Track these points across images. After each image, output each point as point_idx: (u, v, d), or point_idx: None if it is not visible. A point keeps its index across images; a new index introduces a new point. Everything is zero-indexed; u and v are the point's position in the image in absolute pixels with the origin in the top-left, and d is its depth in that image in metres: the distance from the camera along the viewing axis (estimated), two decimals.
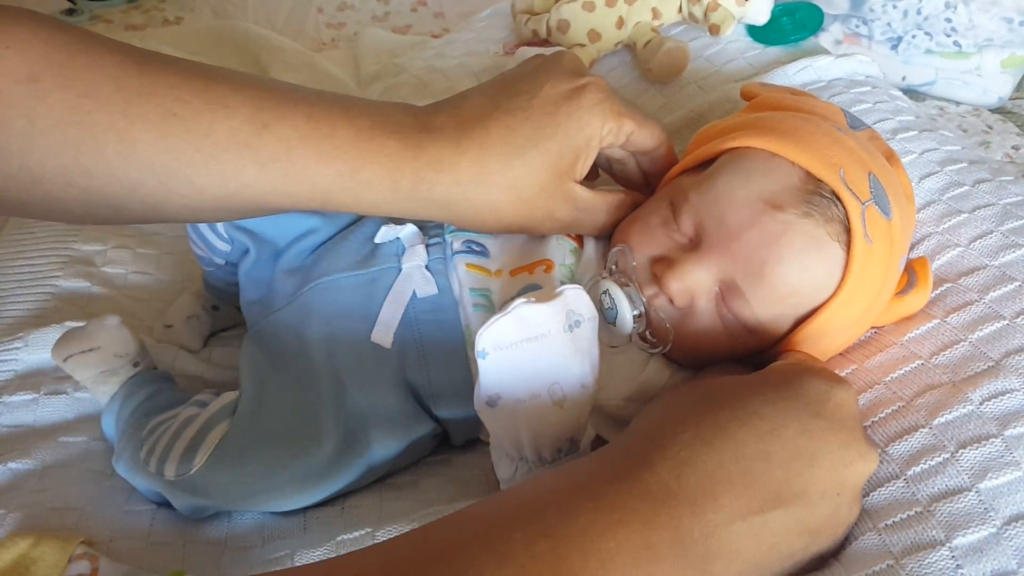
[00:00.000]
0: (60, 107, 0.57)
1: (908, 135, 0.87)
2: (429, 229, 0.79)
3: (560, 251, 0.74)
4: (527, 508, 0.50)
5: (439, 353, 0.74)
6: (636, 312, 0.67)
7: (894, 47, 1.41)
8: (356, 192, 0.65)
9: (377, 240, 0.77)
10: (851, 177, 0.65)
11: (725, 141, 0.70)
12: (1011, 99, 1.41)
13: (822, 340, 0.68)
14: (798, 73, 0.96)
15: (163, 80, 0.60)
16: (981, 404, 0.62)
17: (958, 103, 1.42)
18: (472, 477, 0.77)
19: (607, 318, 0.68)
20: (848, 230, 0.65)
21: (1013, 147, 1.27)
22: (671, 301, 0.67)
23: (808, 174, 0.65)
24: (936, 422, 0.62)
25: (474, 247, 0.76)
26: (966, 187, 0.81)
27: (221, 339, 0.97)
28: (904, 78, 1.44)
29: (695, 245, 0.67)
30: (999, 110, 1.41)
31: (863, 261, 0.65)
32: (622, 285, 0.68)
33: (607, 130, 0.69)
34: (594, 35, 1.04)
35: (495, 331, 0.60)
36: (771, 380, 0.58)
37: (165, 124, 0.59)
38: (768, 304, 0.66)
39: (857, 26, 1.43)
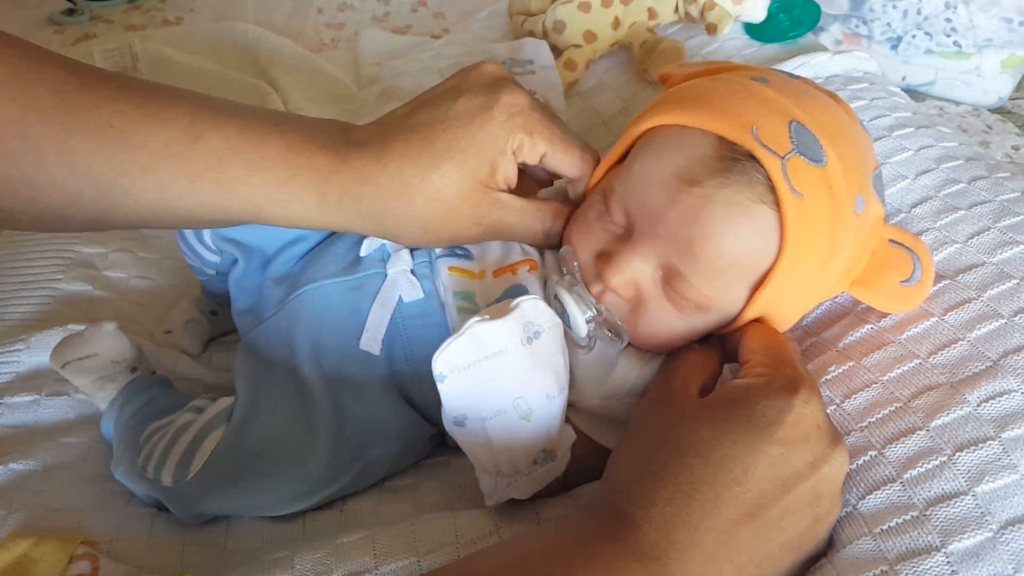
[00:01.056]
0: (3, 119, 0.58)
1: (905, 132, 0.86)
2: None
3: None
4: (525, 568, 0.52)
5: (427, 357, 0.72)
6: (588, 314, 0.66)
7: (894, 47, 1.42)
8: (285, 204, 0.66)
9: (363, 253, 0.76)
10: (766, 132, 0.62)
11: (638, 124, 0.69)
12: (1011, 99, 1.41)
13: (782, 304, 0.67)
14: (795, 71, 0.95)
15: (104, 94, 0.62)
16: (979, 406, 0.62)
17: (958, 103, 1.42)
18: (470, 482, 0.76)
19: (564, 323, 0.67)
20: (773, 189, 0.61)
21: (1013, 147, 1.27)
22: (617, 295, 0.67)
23: (720, 139, 0.63)
24: (934, 424, 0.62)
25: (457, 250, 0.75)
26: (963, 184, 0.81)
27: (221, 344, 0.97)
28: (904, 78, 1.44)
29: (628, 234, 0.67)
30: (999, 110, 1.40)
31: (798, 217, 0.61)
32: (571, 287, 0.67)
33: (516, 143, 0.68)
34: (590, 36, 1.04)
35: (450, 353, 0.59)
36: (730, 413, 0.58)
37: (103, 136, 0.61)
38: (711, 280, 0.64)
39: (857, 26, 1.43)
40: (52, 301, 0.93)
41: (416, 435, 0.77)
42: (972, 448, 0.60)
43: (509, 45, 1.04)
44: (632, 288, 0.66)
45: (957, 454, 0.60)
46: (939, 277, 0.73)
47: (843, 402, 0.68)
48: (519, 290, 0.72)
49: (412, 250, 0.76)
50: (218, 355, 0.95)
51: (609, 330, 0.67)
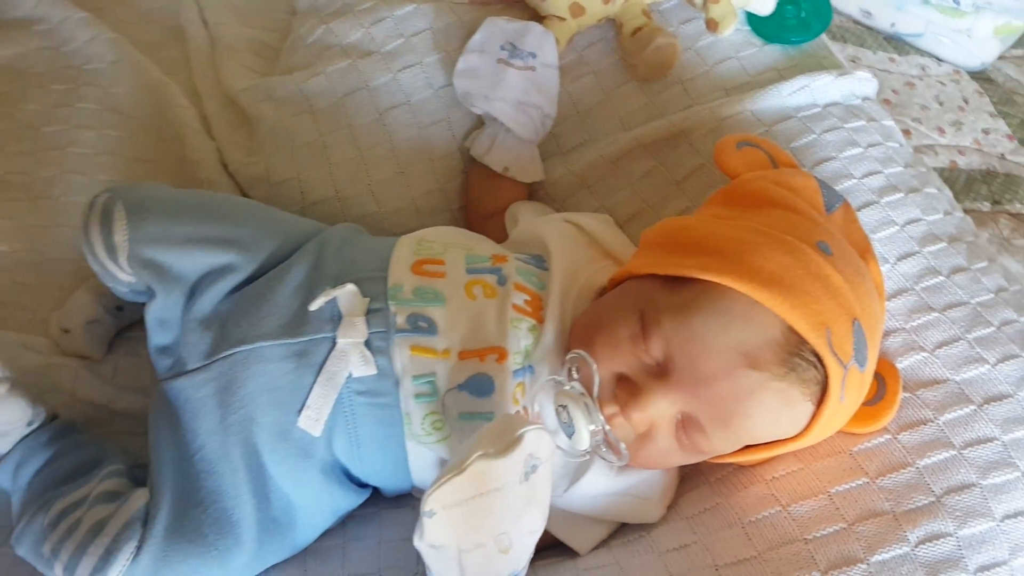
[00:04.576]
0: None
1: (894, 198, 0.84)
2: (370, 290, 0.72)
3: (515, 335, 0.71)
4: None
5: (374, 438, 0.71)
6: (594, 428, 0.65)
7: None
8: None
9: (312, 308, 0.70)
10: (837, 337, 0.64)
11: (704, 266, 0.66)
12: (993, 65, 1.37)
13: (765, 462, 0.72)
14: (794, 94, 0.89)
15: None
16: (916, 547, 0.66)
17: (940, 61, 1.37)
18: (400, 538, 0.77)
19: (563, 431, 0.67)
20: (825, 389, 0.65)
21: (983, 130, 1.25)
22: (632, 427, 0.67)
23: (791, 328, 0.63)
24: (874, 559, 0.65)
25: (420, 323, 0.71)
26: (941, 277, 0.80)
27: (127, 342, 0.89)
28: (893, 24, 1.37)
29: (663, 373, 0.66)
30: (979, 75, 1.36)
31: (831, 415, 0.66)
32: (580, 398, 0.65)
33: None
34: (577, 8, 0.94)
35: (447, 492, 0.57)
36: None
37: None
38: (727, 441, 0.68)
39: None
40: None
41: (350, 507, 0.76)
42: None
43: (513, 25, 0.93)
44: (648, 425, 0.67)
45: None
46: (903, 388, 0.74)
47: (789, 505, 0.70)
48: (483, 381, 0.70)
49: (368, 315, 0.71)
50: (125, 361, 0.87)
51: (608, 448, 0.67)
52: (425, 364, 0.70)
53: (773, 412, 0.65)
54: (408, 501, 0.80)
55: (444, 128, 0.96)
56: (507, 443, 0.58)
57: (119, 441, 0.82)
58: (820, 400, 0.66)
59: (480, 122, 0.95)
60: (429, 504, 0.57)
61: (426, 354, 0.70)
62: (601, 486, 0.73)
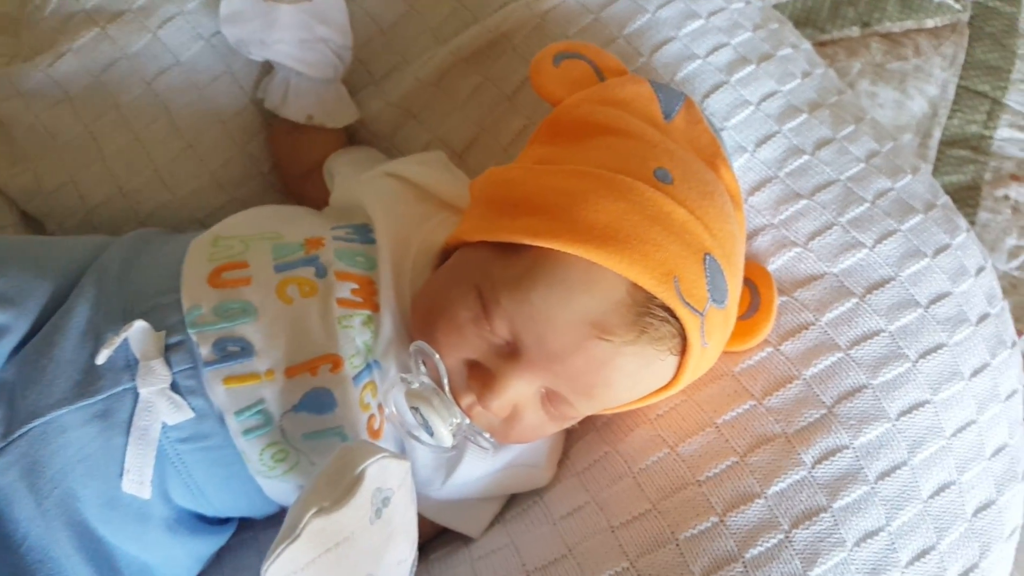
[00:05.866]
0: None
1: (745, 73, 0.75)
2: (164, 319, 0.62)
3: (347, 336, 0.63)
4: None
5: (214, 481, 0.63)
6: (454, 422, 0.60)
7: None
8: None
9: (99, 361, 0.59)
10: (686, 283, 0.57)
11: (533, 230, 0.58)
12: None
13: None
14: None
15: None
16: (813, 467, 0.62)
17: None
18: None
19: (424, 429, 0.60)
20: (685, 341, 0.60)
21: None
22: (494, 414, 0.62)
23: (636, 286, 0.57)
24: (771, 491, 0.62)
25: (230, 347, 0.61)
26: (806, 156, 0.73)
27: None
28: None
29: (513, 353, 0.60)
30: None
31: (697, 362, 0.62)
32: (432, 395, 0.59)
33: None
34: None
35: (285, 562, 0.50)
36: None
37: None
38: (596, 408, 0.65)
39: None
40: None
41: (217, 546, 0.69)
42: (807, 523, 0.60)
43: None
44: (510, 407, 0.62)
45: (794, 531, 0.60)
46: (779, 291, 0.69)
47: (677, 445, 0.66)
48: (320, 396, 0.62)
49: (168, 352, 0.61)
50: None
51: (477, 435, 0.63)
52: (247, 394, 0.61)
53: (634, 375, 0.60)
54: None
55: (228, 82, 0.83)
56: (345, 488, 0.52)
57: None
58: (683, 349, 0.60)
59: (269, 67, 0.81)
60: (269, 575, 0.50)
61: (246, 382, 0.61)
62: (482, 467, 0.68)
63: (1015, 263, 1.01)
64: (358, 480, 0.52)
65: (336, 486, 0.52)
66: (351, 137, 0.85)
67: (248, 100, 0.83)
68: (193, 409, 0.61)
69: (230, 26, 0.78)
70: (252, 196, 0.83)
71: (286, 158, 0.84)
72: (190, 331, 0.61)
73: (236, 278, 0.64)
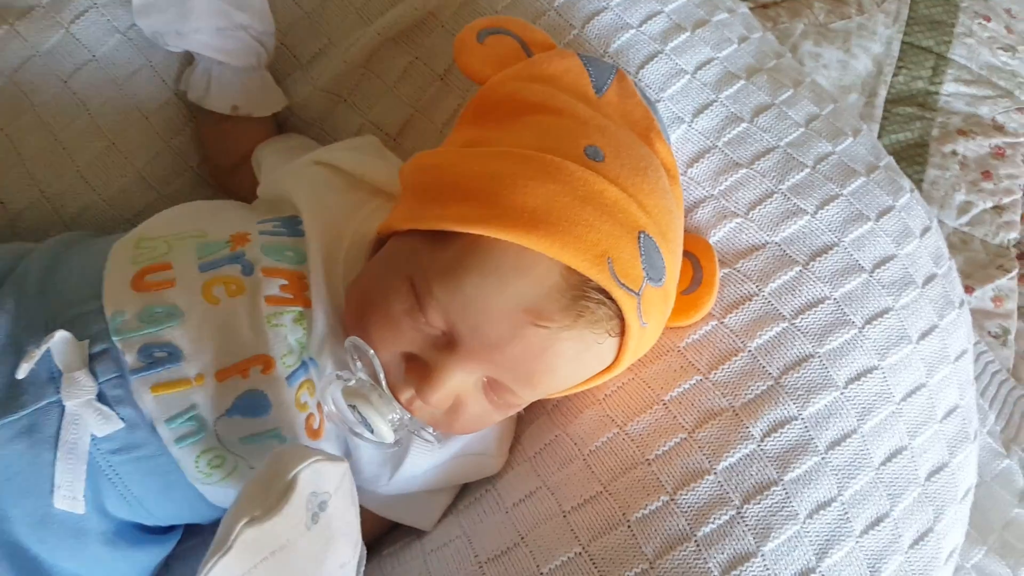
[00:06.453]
0: None
1: (680, 41, 0.73)
2: (87, 328, 0.60)
3: (278, 334, 0.61)
4: None
5: (152, 491, 0.62)
6: (393, 417, 0.59)
7: None
8: None
9: (20, 375, 0.57)
10: (621, 263, 0.56)
11: (462, 217, 0.56)
12: None
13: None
14: None
15: None
16: (762, 441, 0.61)
17: None
18: None
19: (364, 427, 0.59)
20: (623, 322, 0.58)
21: None
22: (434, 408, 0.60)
23: (570, 270, 0.55)
24: (720, 467, 0.61)
25: (156, 353, 0.59)
26: (744, 124, 0.71)
27: None
28: None
29: (450, 343, 0.58)
30: None
31: (638, 341, 0.60)
32: (370, 391, 0.58)
33: None
34: None
35: (219, 574, 0.48)
36: None
37: None
38: (539, 395, 0.64)
39: None
40: None
41: (163, 557, 0.67)
42: (758, 498, 0.60)
43: None
44: (451, 399, 0.60)
45: (745, 506, 0.59)
46: (721, 263, 0.67)
47: (625, 424, 0.65)
48: (254, 399, 0.60)
49: (92, 361, 0.59)
50: None
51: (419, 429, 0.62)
52: (177, 401, 0.59)
53: (575, 360, 0.59)
54: None
55: (148, 75, 0.79)
56: (277, 495, 0.50)
57: None
58: (622, 330, 0.58)
59: (190, 57, 0.78)
60: None
61: (175, 388, 0.59)
62: (430, 460, 0.67)
63: (964, 219, 1.01)
64: (290, 486, 0.50)
65: (268, 494, 0.50)
66: (280, 125, 0.82)
67: (171, 93, 0.80)
68: (122, 419, 0.59)
69: (144, 17, 0.74)
70: (182, 192, 0.81)
71: (214, 151, 0.81)
72: (114, 338, 0.59)
73: (160, 280, 0.61)
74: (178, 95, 0.80)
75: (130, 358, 0.59)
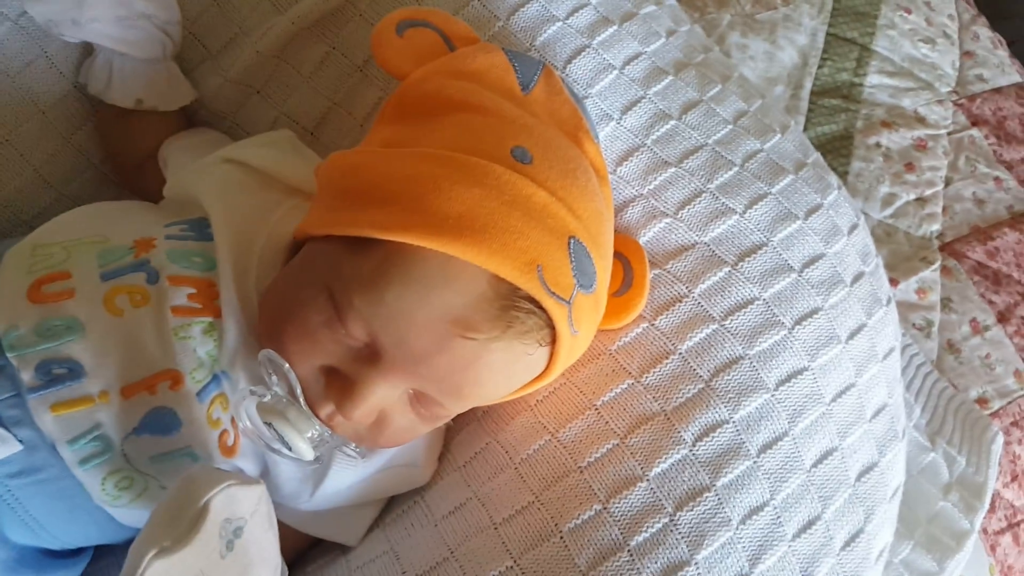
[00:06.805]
0: None
1: (607, 35, 0.71)
2: None
3: (186, 348, 0.57)
4: None
5: (56, 515, 0.58)
6: (312, 434, 0.56)
7: None
8: None
9: None
10: (551, 271, 0.54)
11: (382, 223, 0.53)
12: None
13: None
14: None
15: None
16: (694, 445, 0.60)
17: None
18: None
19: (282, 444, 0.56)
20: (553, 331, 0.56)
21: None
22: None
23: (498, 278, 0.53)
24: (653, 473, 0.60)
25: (56, 370, 0.55)
26: (673, 121, 0.70)
27: None
28: None
29: (373, 356, 0.55)
30: None
31: (569, 350, 0.59)
32: (287, 408, 0.55)
33: None
34: None
35: None
36: None
37: None
38: (468, 407, 0.62)
39: None
40: None
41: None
42: (691, 504, 0.59)
43: None
44: (374, 414, 0.57)
45: (678, 514, 0.58)
46: (651, 264, 0.66)
47: (558, 431, 0.63)
48: (163, 416, 0.56)
49: None
50: None
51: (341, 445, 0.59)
52: (79, 421, 0.55)
53: (504, 371, 0.57)
54: None
55: (44, 67, 0.74)
56: (188, 524, 0.47)
57: None
58: (553, 339, 0.57)
59: (90, 47, 0.73)
60: None
61: (77, 407, 0.55)
62: (354, 474, 0.64)
63: (888, 211, 1.02)
64: (202, 514, 0.47)
65: (177, 523, 0.47)
66: (190, 119, 0.78)
67: (69, 86, 0.75)
68: (21, 441, 0.55)
69: (36, 4, 0.69)
70: (84, 192, 0.76)
71: (117, 147, 0.76)
72: (8, 355, 0.55)
73: (58, 291, 0.57)
74: (78, 88, 0.75)
75: (27, 376, 0.55)
